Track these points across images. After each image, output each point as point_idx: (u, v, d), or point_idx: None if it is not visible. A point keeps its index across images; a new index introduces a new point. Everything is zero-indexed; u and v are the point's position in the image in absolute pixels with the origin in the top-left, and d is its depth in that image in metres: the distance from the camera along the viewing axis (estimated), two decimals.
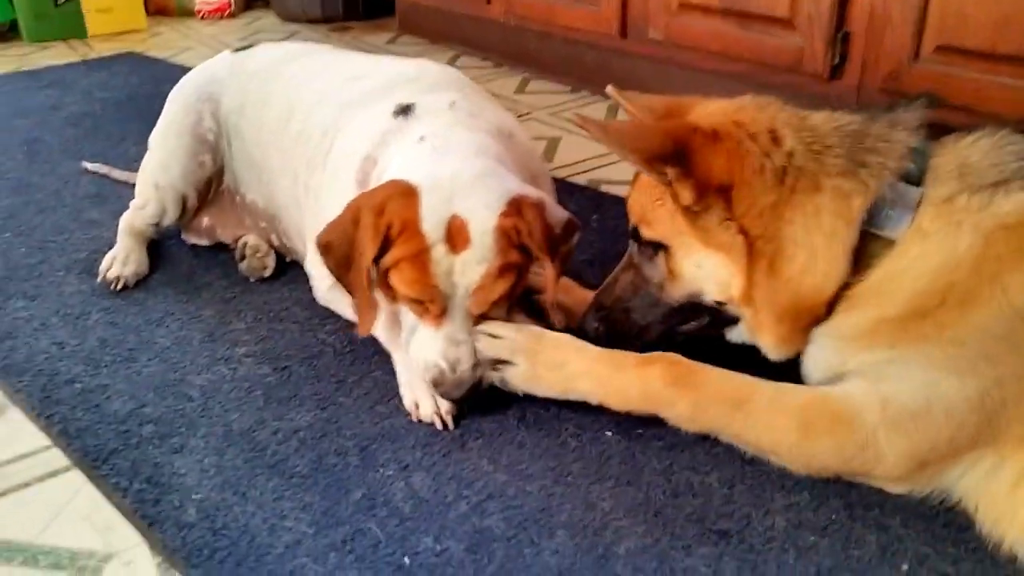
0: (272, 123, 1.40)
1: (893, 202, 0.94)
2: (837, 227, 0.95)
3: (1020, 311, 0.87)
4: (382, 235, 1.03)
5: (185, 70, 1.65)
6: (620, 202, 1.15)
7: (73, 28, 3.20)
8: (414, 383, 1.12)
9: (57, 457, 1.07)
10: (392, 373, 1.18)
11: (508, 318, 1.14)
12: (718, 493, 0.98)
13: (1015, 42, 1.52)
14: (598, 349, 1.08)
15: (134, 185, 1.58)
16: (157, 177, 1.49)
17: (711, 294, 1.05)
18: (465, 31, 2.92)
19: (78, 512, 0.98)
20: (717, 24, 2.03)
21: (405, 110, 1.20)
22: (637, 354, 1.06)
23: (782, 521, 0.94)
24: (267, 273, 1.47)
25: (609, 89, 1.16)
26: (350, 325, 1.28)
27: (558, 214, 1.11)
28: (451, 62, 2.76)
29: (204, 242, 1.57)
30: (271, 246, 1.50)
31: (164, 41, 3.21)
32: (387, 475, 1.01)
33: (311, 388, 1.18)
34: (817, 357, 1.03)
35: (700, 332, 1.10)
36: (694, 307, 1.07)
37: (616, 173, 1.88)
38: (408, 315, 1.11)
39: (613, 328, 1.11)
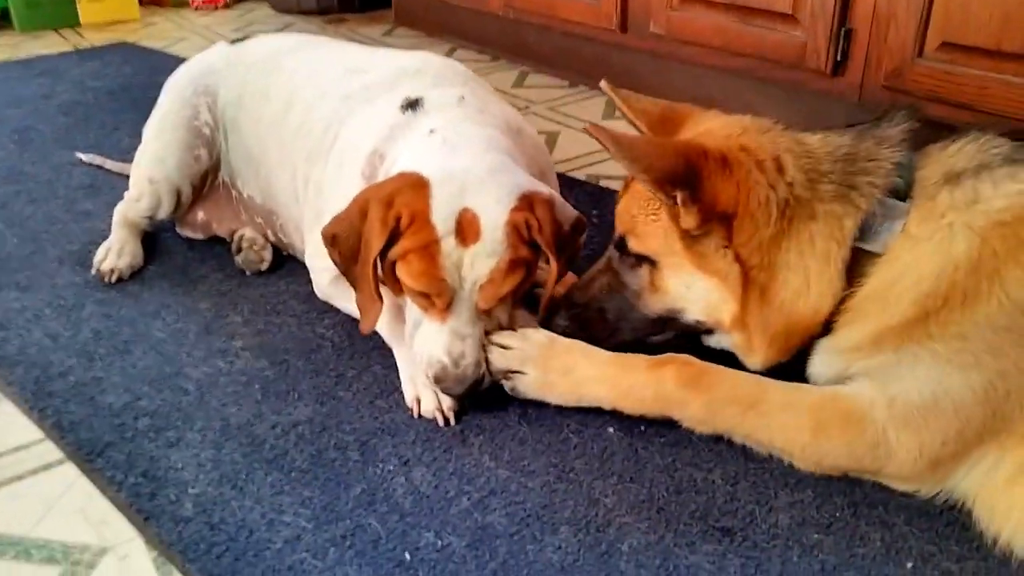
0: (271, 116, 1.38)
1: (882, 217, 0.95)
2: (830, 249, 0.96)
3: (1020, 305, 0.87)
4: (391, 227, 1.02)
5: (179, 61, 1.62)
6: (618, 197, 1.14)
7: (65, 17, 3.16)
8: (416, 378, 1.11)
9: (50, 450, 1.05)
10: (392, 368, 1.17)
11: (511, 314, 1.13)
12: (721, 490, 0.98)
13: (1019, 40, 1.51)
14: (607, 353, 1.07)
15: (128, 176, 1.56)
16: (152, 170, 1.47)
17: (694, 314, 1.05)
18: (462, 24, 2.90)
19: (72, 506, 0.97)
20: (719, 18, 2.02)
21: (413, 104, 1.18)
22: (647, 356, 1.06)
23: (786, 518, 0.94)
24: (264, 267, 1.45)
25: (603, 85, 1.15)
26: (353, 319, 1.26)
27: (567, 212, 1.11)
28: (448, 55, 2.74)
29: (199, 236, 1.55)
30: (267, 240, 1.48)
31: (157, 31, 3.17)
32: (387, 470, 1.00)
33: (310, 382, 1.16)
34: (822, 367, 1.03)
35: (671, 341, 1.09)
36: (671, 321, 1.07)
37: (615, 168, 1.87)
38: (412, 309, 1.09)
39: (583, 327, 1.11)
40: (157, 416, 1.09)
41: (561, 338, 1.09)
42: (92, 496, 0.98)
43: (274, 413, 1.10)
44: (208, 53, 1.53)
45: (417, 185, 1.03)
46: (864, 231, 0.95)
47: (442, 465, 1.01)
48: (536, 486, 0.98)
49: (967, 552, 0.90)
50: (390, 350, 1.19)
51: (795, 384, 1.01)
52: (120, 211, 1.50)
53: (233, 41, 1.54)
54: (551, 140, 2.08)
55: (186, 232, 1.56)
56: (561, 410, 1.09)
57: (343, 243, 1.07)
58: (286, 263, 1.47)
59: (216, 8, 3.57)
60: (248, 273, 1.44)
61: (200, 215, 1.53)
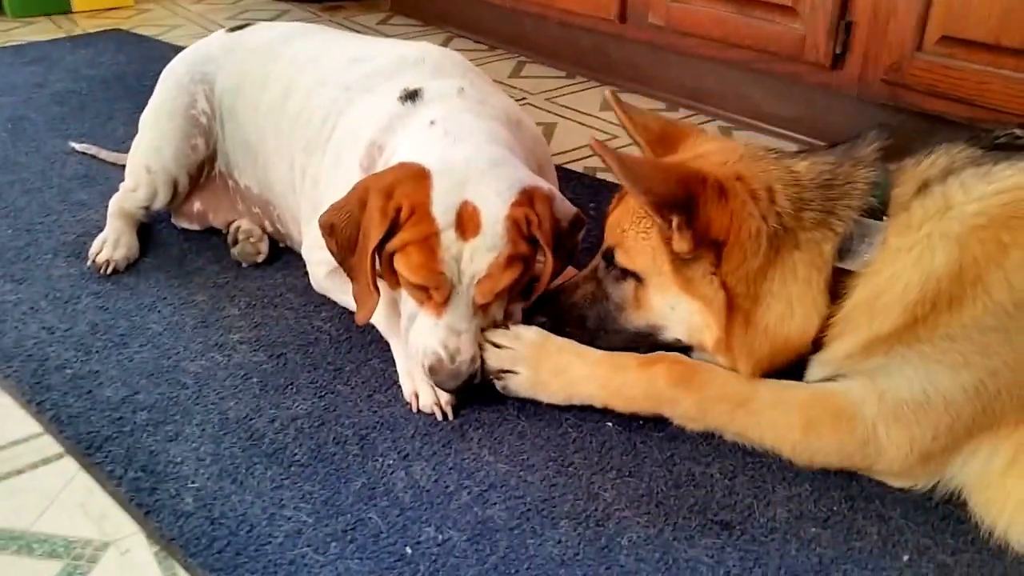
0: (269, 105, 1.37)
1: (860, 237, 0.96)
2: (811, 275, 0.97)
3: (1004, 305, 0.89)
4: (390, 218, 1.01)
5: (174, 49, 1.61)
6: (617, 189, 1.14)
7: (58, 3, 3.12)
8: (414, 373, 1.11)
9: (49, 444, 1.05)
10: (390, 361, 1.17)
11: (507, 310, 1.12)
12: (720, 484, 0.98)
13: (1019, 35, 1.51)
14: (599, 352, 1.08)
15: (123, 166, 1.54)
16: (148, 159, 1.45)
17: (675, 333, 1.06)
18: (459, 12, 2.88)
19: (72, 500, 0.97)
20: (718, 10, 2.01)
21: (412, 95, 1.18)
22: (638, 355, 1.06)
23: (784, 512, 0.95)
24: (260, 258, 1.44)
25: (607, 95, 1.16)
26: (351, 313, 1.26)
27: (566, 208, 1.10)
28: (444, 44, 2.72)
29: (195, 227, 1.54)
30: (264, 231, 1.47)
31: (152, 18, 3.14)
32: (387, 464, 1.00)
33: (308, 376, 1.16)
34: (816, 379, 1.03)
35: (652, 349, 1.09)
36: (650, 336, 1.08)
37: None
38: (408, 302, 1.09)
39: (561, 329, 1.11)
40: (155, 410, 1.09)
41: (554, 337, 1.09)
42: (92, 490, 0.98)
43: (273, 407, 1.10)
44: (205, 41, 1.51)
45: (418, 176, 1.02)
46: (843, 252, 0.97)
47: (441, 459, 1.01)
48: (535, 480, 0.98)
49: (962, 545, 0.91)
50: (388, 344, 1.19)
51: (785, 382, 1.02)
52: (116, 201, 1.49)
53: (231, 29, 1.52)
54: (548, 131, 2.07)
55: (182, 223, 1.55)
56: (559, 405, 1.09)
57: (341, 233, 1.06)
58: (282, 255, 1.46)
59: None
60: (244, 265, 1.43)
61: (196, 205, 1.52)
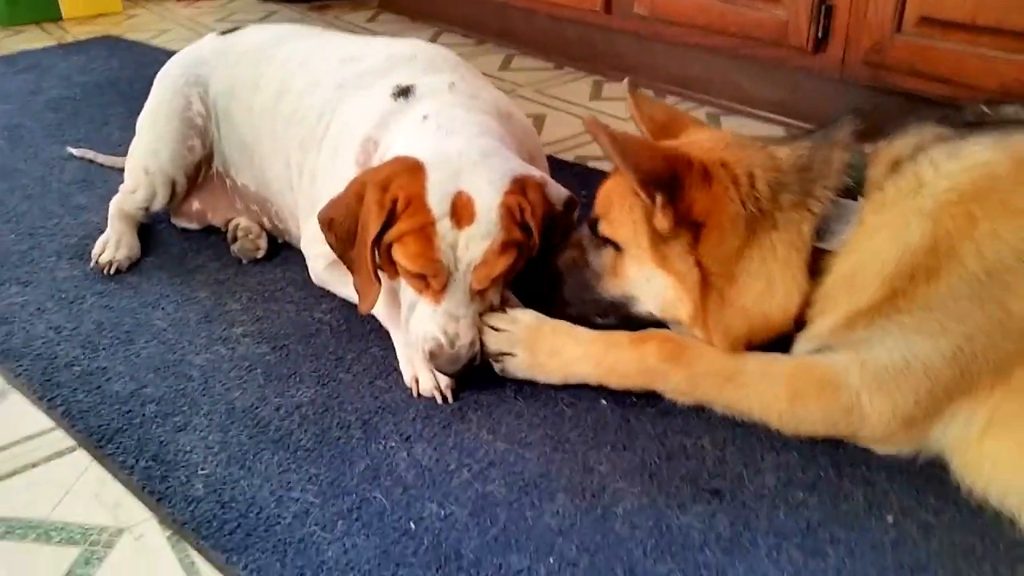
0: (263, 105, 1.40)
1: (837, 217, 1.00)
2: (791, 254, 1.01)
3: (976, 274, 0.92)
4: (387, 210, 1.04)
5: (165, 53, 1.64)
6: (606, 178, 1.17)
7: (47, 10, 3.13)
8: (414, 359, 1.14)
9: (62, 438, 1.08)
10: (389, 349, 1.20)
11: (503, 294, 1.16)
12: (710, 455, 1.02)
13: (993, 14, 1.54)
14: (592, 332, 1.11)
15: (120, 170, 1.57)
16: (146, 161, 1.48)
17: (648, 306, 1.10)
18: (447, 8, 2.91)
19: (87, 490, 1.00)
20: None
21: (405, 92, 1.21)
22: (629, 333, 1.10)
23: (772, 479, 0.98)
24: (260, 255, 1.47)
25: (626, 83, 1.20)
26: (350, 304, 1.29)
27: (559, 192, 1.14)
28: (433, 40, 2.74)
29: (194, 226, 1.57)
30: (263, 228, 1.50)
31: (141, 23, 3.15)
32: (390, 446, 1.04)
33: (310, 365, 1.19)
34: (800, 352, 1.07)
35: (616, 327, 1.12)
36: (623, 307, 1.12)
37: (601, 151, 1.90)
38: (407, 292, 1.12)
39: (538, 290, 1.15)
40: (163, 402, 1.12)
41: (548, 319, 1.13)
42: (105, 480, 1.01)
43: (277, 396, 1.13)
44: (198, 44, 1.54)
45: (413, 169, 1.06)
46: (821, 232, 1.00)
47: (442, 440, 1.05)
48: (533, 457, 1.02)
49: (944, 504, 0.94)
50: (387, 333, 1.23)
51: (772, 354, 1.05)
52: (115, 204, 1.52)
53: (222, 32, 1.55)
54: (538, 123, 2.10)
55: (181, 222, 1.58)
56: (555, 385, 1.13)
57: (340, 226, 1.10)
58: (281, 251, 1.50)
59: None
60: (244, 262, 1.46)
61: (195, 205, 1.55)
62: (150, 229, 1.56)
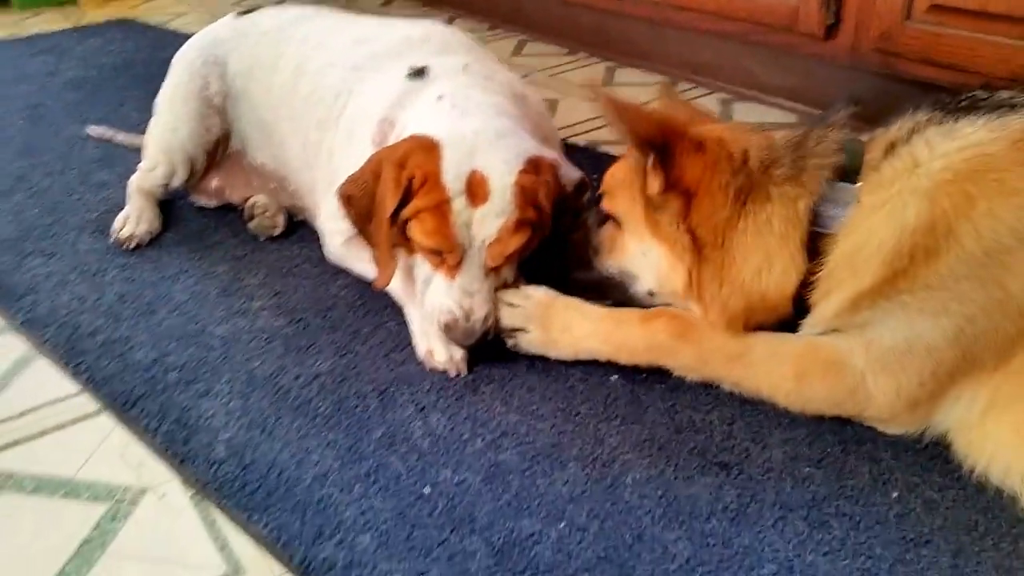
0: (281, 85, 1.42)
1: (834, 200, 1.01)
2: (787, 230, 1.02)
3: (975, 254, 0.93)
4: (403, 187, 1.07)
5: (181, 37, 1.66)
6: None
7: None
8: (429, 332, 1.17)
9: (87, 402, 1.11)
10: (404, 324, 1.23)
11: (517, 274, 1.18)
12: (719, 429, 1.04)
13: (1004, 1, 1.55)
14: (603, 309, 1.13)
15: (137, 149, 1.60)
16: (166, 140, 1.51)
17: (646, 282, 1.12)
18: None
19: (112, 451, 1.03)
20: None
21: (420, 72, 1.23)
22: (639, 310, 1.12)
23: (779, 454, 1.00)
24: (277, 232, 1.50)
25: (663, 84, 1.24)
26: (365, 280, 1.32)
27: (571, 173, 1.16)
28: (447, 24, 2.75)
29: (212, 203, 1.59)
30: (280, 206, 1.53)
31: (157, 7, 3.18)
32: (405, 416, 1.06)
33: (328, 338, 1.22)
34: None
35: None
36: (620, 286, 1.14)
37: (613, 135, 1.91)
38: (423, 267, 1.15)
39: (549, 269, 1.18)
40: (185, 370, 1.15)
41: (561, 296, 1.15)
42: (129, 443, 1.04)
43: (296, 366, 1.16)
44: (215, 26, 1.56)
45: (428, 147, 1.08)
46: (819, 216, 1.01)
47: (456, 411, 1.07)
48: (545, 428, 1.04)
49: (948, 482, 0.96)
50: (401, 309, 1.25)
51: (779, 334, 1.07)
52: (135, 180, 1.54)
53: (240, 13, 1.57)
54: (551, 107, 2.11)
55: (200, 200, 1.60)
56: (566, 361, 1.15)
57: (358, 203, 1.12)
58: (298, 228, 1.52)
59: None
60: (261, 238, 1.49)
61: (214, 182, 1.58)
62: (170, 205, 1.59)
